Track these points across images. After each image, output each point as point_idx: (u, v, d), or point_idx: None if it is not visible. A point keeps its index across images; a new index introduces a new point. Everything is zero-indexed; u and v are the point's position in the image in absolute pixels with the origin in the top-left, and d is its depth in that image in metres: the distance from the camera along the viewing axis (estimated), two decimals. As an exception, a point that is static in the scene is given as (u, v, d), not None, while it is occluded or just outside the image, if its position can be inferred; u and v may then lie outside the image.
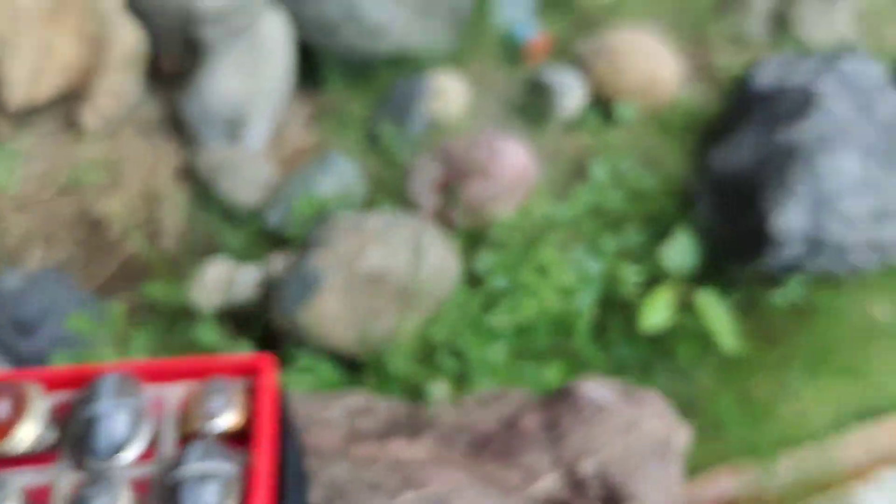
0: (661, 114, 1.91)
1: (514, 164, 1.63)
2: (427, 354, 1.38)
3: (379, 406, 0.88)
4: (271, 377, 0.53)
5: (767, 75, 1.74)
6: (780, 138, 1.51)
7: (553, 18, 2.14)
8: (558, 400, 0.86)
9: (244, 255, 1.52)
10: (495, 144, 1.65)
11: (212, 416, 0.51)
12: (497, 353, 1.38)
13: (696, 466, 1.27)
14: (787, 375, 1.45)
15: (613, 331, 1.50)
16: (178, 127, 1.73)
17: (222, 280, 1.37)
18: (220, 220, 1.61)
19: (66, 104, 1.69)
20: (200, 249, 1.55)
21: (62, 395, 0.53)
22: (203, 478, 0.47)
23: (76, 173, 1.63)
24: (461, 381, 1.35)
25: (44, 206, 1.61)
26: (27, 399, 0.50)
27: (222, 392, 0.51)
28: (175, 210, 1.60)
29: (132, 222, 1.57)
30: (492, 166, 1.62)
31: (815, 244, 1.43)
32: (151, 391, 0.53)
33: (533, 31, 2.03)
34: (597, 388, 0.86)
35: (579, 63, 1.90)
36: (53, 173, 1.63)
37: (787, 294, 1.49)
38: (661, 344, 1.48)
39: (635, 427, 0.83)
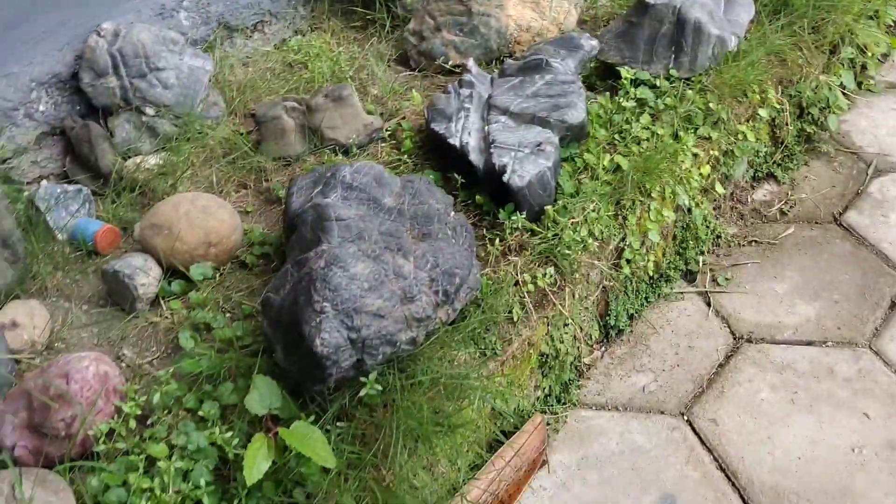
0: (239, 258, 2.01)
1: (90, 379, 1.64)
2: None
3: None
4: None
5: (298, 195, 1.88)
6: (299, 266, 1.64)
7: (119, 201, 2.18)
8: None
9: None
10: (69, 367, 1.65)
11: None
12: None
13: None
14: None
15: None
16: None
17: None
18: None
19: None
20: None
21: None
22: None
23: None
24: None
25: None
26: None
27: None
28: None
29: None
30: (70, 389, 1.62)
31: (364, 346, 1.56)
32: None
33: (95, 225, 2.06)
34: None
35: (142, 242, 1.95)
36: None
37: (369, 394, 1.61)
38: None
39: None
